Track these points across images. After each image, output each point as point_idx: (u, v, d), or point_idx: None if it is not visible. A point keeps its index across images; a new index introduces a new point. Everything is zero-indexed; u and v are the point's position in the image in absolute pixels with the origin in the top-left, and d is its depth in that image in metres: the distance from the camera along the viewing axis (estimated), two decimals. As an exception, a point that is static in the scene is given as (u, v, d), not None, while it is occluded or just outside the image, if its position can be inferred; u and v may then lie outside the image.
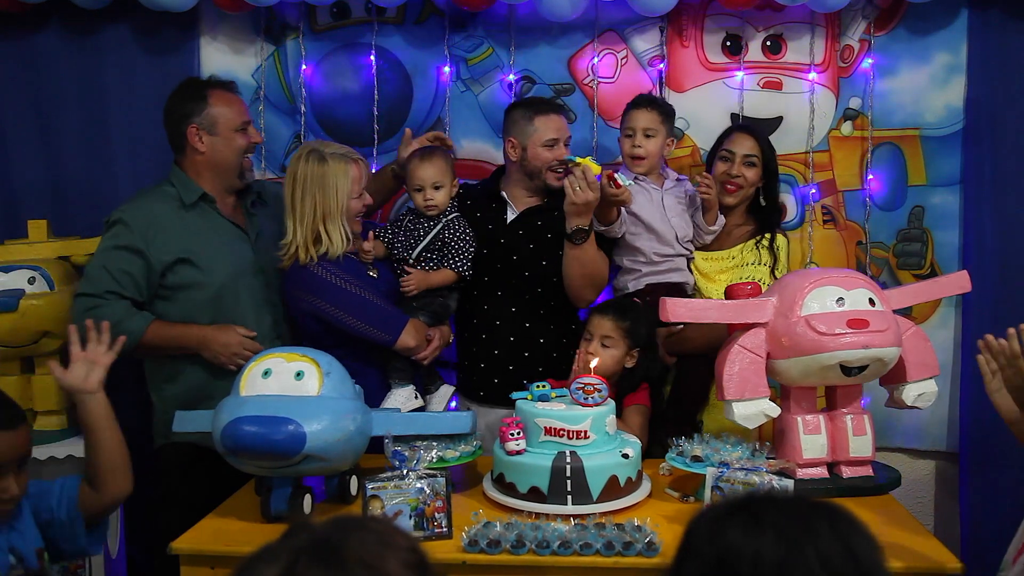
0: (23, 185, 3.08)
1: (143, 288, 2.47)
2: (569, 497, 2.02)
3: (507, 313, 2.73)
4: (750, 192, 2.76)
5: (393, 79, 3.08)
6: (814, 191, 3.04)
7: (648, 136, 2.71)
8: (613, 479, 2.05)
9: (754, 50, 3.03)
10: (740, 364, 2.16)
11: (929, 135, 3.01)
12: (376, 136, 3.07)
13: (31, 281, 2.68)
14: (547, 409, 2.11)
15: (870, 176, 3.02)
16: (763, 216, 2.77)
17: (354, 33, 3.08)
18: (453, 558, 1.87)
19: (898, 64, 3.00)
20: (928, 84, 3.00)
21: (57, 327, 2.65)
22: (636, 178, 2.67)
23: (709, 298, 2.65)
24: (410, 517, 1.91)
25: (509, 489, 2.09)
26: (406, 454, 1.99)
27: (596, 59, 3.04)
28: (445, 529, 1.94)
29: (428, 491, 1.92)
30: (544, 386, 2.21)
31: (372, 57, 3.05)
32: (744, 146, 2.72)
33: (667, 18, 2.99)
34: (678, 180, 2.83)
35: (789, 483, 1.96)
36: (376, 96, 3.06)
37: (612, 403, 2.16)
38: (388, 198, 2.95)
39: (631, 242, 2.72)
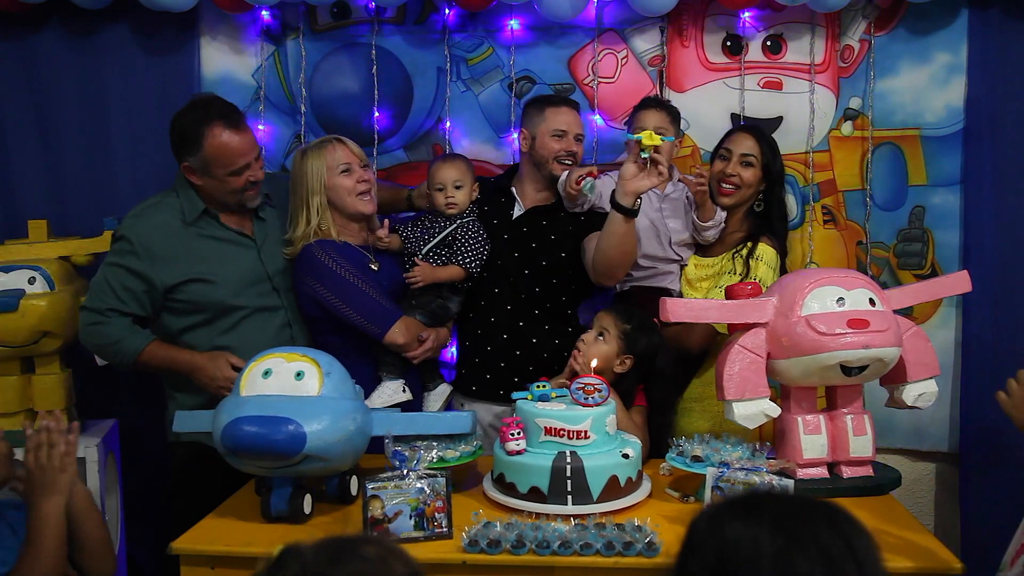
0: (23, 185, 3.09)
1: (146, 305, 2.49)
2: (569, 497, 2.02)
3: (503, 310, 2.74)
4: (748, 194, 2.71)
5: (393, 79, 3.09)
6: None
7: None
8: (613, 479, 2.05)
9: (754, 50, 3.03)
10: (740, 364, 2.16)
11: (929, 135, 3.00)
12: (376, 136, 3.07)
13: (31, 281, 2.69)
14: (547, 409, 2.11)
15: (870, 176, 3.02)
16: (759, 223, 2.71)
17: (354, 33, 3.09)
18: (453, 558, 1.87)
19: (898, 64, 3.00)
20: (928, 84, 2.99)
21: (57, 327, 2.66)
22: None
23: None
24: (410, 517, 1.91)
25: (509, 489, 2.09)
26: (406, 454, 1.99)
27: (596, 59, 3.04)
28: (445, 529, 1.93)
29: (428, 491, 1.92)
30: (544, 386, 2.21)
31: (372, 57, 3.05)
32: (742, 145, 2.70)
33: (667, 18, 3.00)
34: (679, 182, 2.83)
35: (789, 483, 1.95)
36: (376, 96, 3.06)
37: (612, 403, 2.16)
38: (395, 212, 2.95)
39: None
